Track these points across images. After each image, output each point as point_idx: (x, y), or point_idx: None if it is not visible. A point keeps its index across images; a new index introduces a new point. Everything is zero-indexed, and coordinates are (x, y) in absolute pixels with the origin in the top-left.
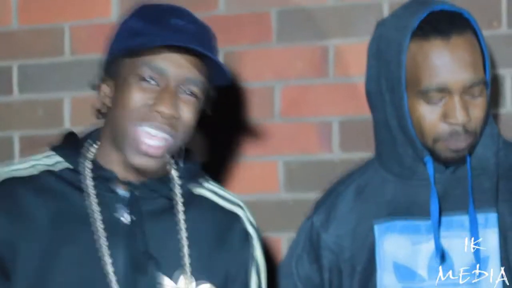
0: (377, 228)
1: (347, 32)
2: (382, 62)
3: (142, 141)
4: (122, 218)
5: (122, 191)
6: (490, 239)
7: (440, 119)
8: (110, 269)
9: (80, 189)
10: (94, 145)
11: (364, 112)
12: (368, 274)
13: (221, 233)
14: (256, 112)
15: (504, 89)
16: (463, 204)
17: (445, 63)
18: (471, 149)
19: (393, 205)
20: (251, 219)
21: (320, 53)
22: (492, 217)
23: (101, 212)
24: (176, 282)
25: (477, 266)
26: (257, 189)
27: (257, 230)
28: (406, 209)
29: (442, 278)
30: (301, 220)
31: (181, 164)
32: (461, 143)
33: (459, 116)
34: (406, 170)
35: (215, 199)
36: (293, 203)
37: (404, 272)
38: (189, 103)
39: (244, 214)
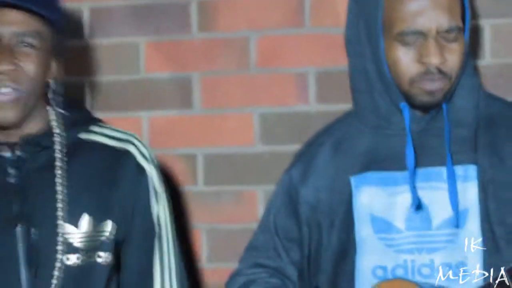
0: (353, 181)
1: None
2: (361, 5)
3: None
4: (10, 179)
5: (7, 153)
6: (470, 192)
7: (415, 60)
8: None
9: None
10: None
11: (340, 63)
12: (345, 227)
13: (112, 173)
14: (231, 63)
15: (483, 40)
16: (441, 156)
17: (420, 7)
18: (447, 96)
19: (369, 157)
20: (145, 152)
21: (296, 3)
22: (472, 169)
23: None
24: (78, 226)
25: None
26: (232, 142)
27: (152, 161)
28: (383, 161)
29: (419, 230)
30: (277, 173)
31: (56, 115)
32: (436, 84)
33: (433, 56)
34: (382, 120)
35: (104, 141)
36: (269, 156)
37: (381, 224)
38: (27, 55)
39: (135, 149)
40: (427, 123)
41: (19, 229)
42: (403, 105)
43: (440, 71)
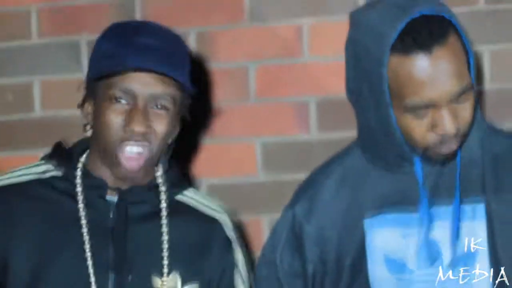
0: (367, 223)
1: (320, 11)
2: (362, 70)
3: (122, 160)
4: (110, 224)
5: (111, 197)
6: (478, 231)
7: (429, 129)
8: (91, 270)
9: (69, 195)
10: (83, 155)
11: (340, 91)
12: (358, 268)
13: (202, 239)
14: (231, 93)
15: (482, 66)
16: (451, 195)
17: (429, 78)
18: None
19: (382, 197)
20: (230, 224)
21: (294, 33)
22: (480, 208)
23: (90, 216)
24: (163, 282)
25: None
26: (235, 172)
27: (236, 231)
28: (396, 202)
29: (430, 269)
30: (280, 201)
31: (162, 172)
32: (452, 147)
33: (449, 127)
34: (392, 166)
35: (198, 207)
36: (272, 185)
37: (395, 265)
38: (159, 116)
39: (224, 220)
40: (441, 166)
41: (111, 276)
42: (416, 160)
43: (456, 135)
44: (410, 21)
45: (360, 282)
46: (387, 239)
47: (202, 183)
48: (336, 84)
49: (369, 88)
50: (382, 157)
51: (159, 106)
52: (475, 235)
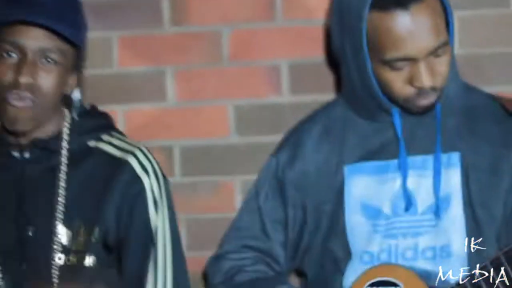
0: (347, 170)
1: None
2: (344, 25)
3: (9, 110)
4: (16, 178)
5: (16, 153)
6: (453, 178)
7: (407, 82)
8: None
9: None
10: None
11: (313, 54)
12: (336, 216)
13: (108, 181)
14: (204, 57)
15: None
16: (427, 144)
17: (407, 33)
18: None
19: (362, 146)
20: (145, 163)
21: None
22: (455, 156)
23: None
24: (70, 229)
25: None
26: (208, 134)
27: (154, 172)
28: (375, 150)
29: (405, 216)
30: (253, 163)
31: (70, 122)
32: (430, 100)
33: (425, 80)
34: (372, 117)
35: (109, 150)
36: (245, 147)
37: (371, 211)
38: (48, 70)
39: (134, 160)
40: (417, 117)
41: (14, 231)
42: (395, 111)
43: (433, 88)
44: None
45: (337, 230)
46: (364, 186)
47: (176, 145)
48: (308, 48)
49: (350, 42)
50: (363, 108)
51: (48, 60)
52: (450, 182)
